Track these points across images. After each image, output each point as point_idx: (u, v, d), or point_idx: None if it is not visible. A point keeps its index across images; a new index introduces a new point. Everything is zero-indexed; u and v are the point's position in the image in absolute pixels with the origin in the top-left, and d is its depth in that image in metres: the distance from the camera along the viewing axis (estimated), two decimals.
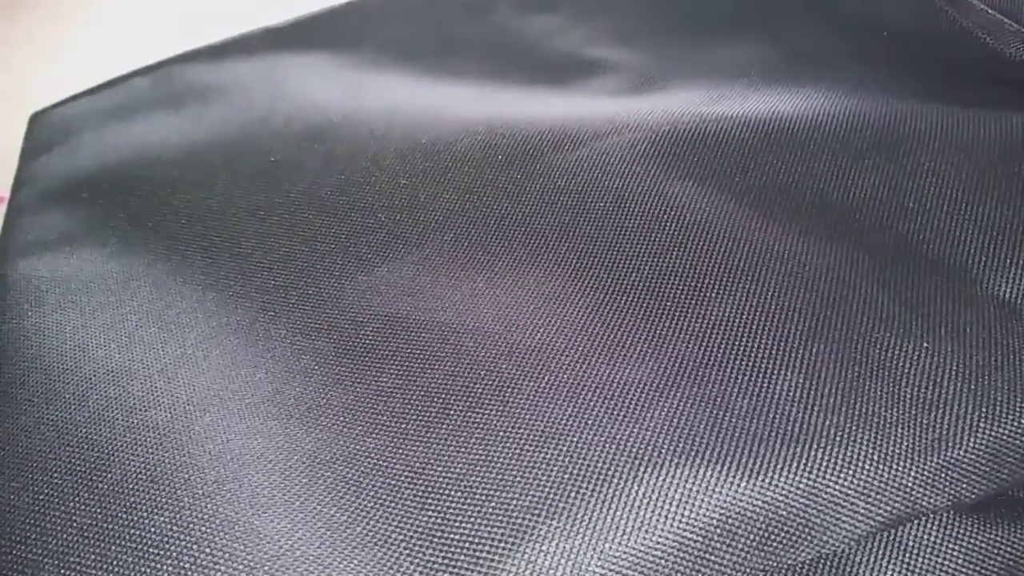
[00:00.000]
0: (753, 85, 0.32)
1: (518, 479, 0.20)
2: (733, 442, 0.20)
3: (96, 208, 0.33)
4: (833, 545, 0.20)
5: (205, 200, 0.31)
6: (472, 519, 0.20)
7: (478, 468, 0.21)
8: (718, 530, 0.19)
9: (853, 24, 0.34)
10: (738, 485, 0.19)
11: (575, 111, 0.32)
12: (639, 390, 0.22)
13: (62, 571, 0.21)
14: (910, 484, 0.20)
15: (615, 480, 0.20)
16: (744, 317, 0.23)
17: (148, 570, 0.20)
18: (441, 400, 0.23)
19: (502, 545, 0.19)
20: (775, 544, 0.19)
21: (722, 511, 0.19)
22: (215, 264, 0.29)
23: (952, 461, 0.20)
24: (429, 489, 0.21)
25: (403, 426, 0.22)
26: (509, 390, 0.22)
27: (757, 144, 0.28)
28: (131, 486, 0.22)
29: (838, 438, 0.20)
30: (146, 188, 0.33)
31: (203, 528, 0.21)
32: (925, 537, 0.21)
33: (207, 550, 0.20)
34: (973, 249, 0.24)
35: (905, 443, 0.20)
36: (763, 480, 0.19)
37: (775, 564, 0.20)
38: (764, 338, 0.22)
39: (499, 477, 0.21)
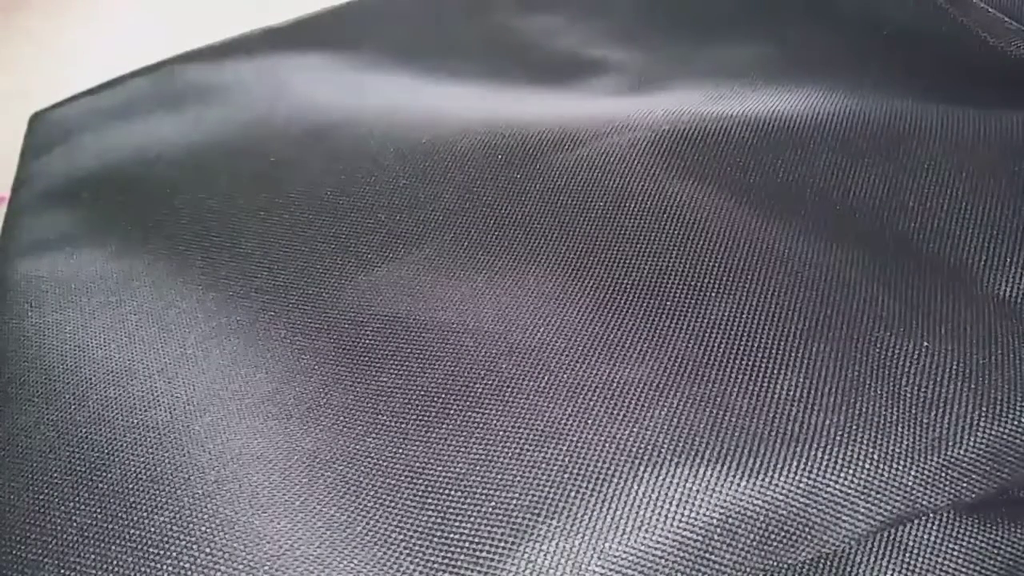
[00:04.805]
0: (753, 85, 0.32)
1: (518, 479, 0.20)
2: (733, 442, 0.20)
3: (96, 208, 0.33)
4: (833, 545, 0.20)
5: (205, 200, 0.31)
6: (472, 519, 0.20)
7: (478, 468, 0.21)
8: (718, 530, 0.19)
9: (853, 23, 0.34)
10: (738, 485, 0.19)
11: (575, 111, 0.32)
12: (639, 390, 0.22)
13: (62, 571, 0.21)
14: (910, 483, 0.20)
15: (615, 480, 0.20)
16: (744, 317, 0.23)
17: (148, 570, 0.20)
18: (441, 400, 0.23)
19: (502, 545, 0.19)
20: (775, 544, 0.19)
21: (722, 511, 0.19)
22: (215, 264, 0.29)
23: (952, 460, 0.20)
24: (429, 489, 0.21)
25: (403, 426, 0.22)
26: (509, 390, 0.22)
27: (757, 143, 0.28)
28: (131, 486, 0.22)
29: (838, 438, 0.20)
30: (146, 188, 0.33)
31: (203, 528, 0.21)
32: (925, 537, 0.21)
33: (207, 550, 0.20)
34: (973, 248, 0.24)
35: (905, 442, 0.20)
36: (763, 480, 0.19)
37: (775, 564, 0.20)
38: (764, 338, 0.22)
39: (499, 477, 0.21)
